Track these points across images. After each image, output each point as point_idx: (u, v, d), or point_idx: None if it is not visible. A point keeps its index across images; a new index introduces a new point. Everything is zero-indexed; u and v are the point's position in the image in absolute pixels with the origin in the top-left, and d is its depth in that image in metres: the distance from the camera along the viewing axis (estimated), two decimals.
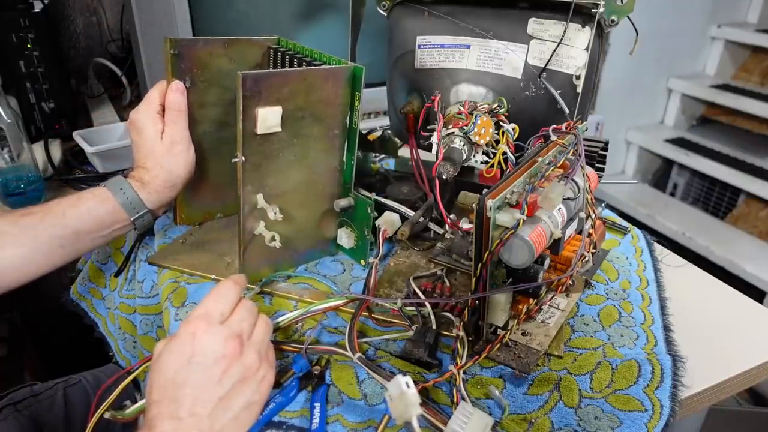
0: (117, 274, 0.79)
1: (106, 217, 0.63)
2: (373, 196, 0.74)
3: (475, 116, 0.63)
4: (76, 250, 0.64)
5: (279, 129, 0.59)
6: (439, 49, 0.72)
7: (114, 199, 0.63)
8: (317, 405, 0.49)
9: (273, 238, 0.64)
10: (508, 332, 0.56)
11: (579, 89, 0.65)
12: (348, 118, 0.65)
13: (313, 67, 0.64)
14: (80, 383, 0.79)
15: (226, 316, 0.48)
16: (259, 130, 0.58)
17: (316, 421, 0.48)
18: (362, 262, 0.71)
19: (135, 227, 0.66)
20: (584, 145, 0.56)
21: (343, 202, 0.68)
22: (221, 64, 0.68)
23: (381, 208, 0.74)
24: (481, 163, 0.66)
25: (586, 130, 0.61)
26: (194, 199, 0.76)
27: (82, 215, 0.62)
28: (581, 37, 0.65)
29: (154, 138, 0.65)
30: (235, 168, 0.59)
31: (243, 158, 0.58)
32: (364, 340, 0.58)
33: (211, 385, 0.45)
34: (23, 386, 0.77)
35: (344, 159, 0.67)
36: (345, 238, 0.71)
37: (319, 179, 0.66)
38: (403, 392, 0.40)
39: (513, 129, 0.65)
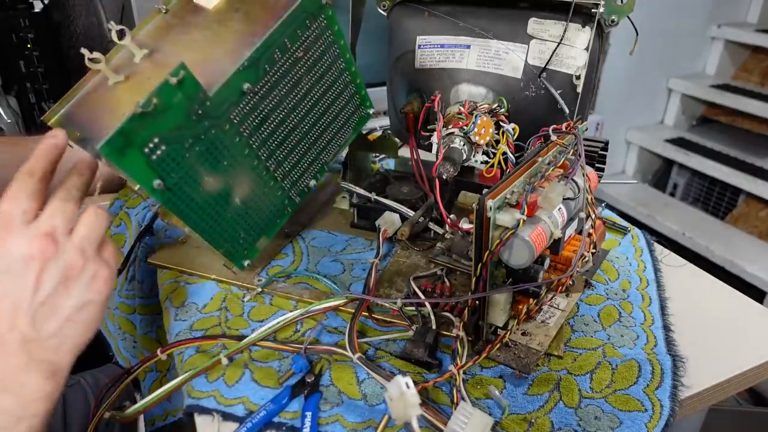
0: (117, 274, 0.78)
1: None
2: (373, 196, 0.74)
3: (475, 116, 0.63)
4: None
5: (210, 5, 0.57)
6: (439, 49, 0.72)
7: None
8: (308, 414, 0.49)
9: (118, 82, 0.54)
10: (508, 332, 0.56)
11: (579, 89, 0.65)
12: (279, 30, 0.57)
13: None
14: (79, 384, 0.79)
15: (32, 214, 0.42)
16: None
17: (306, 430, 0.48)
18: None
19: None
20: (584, 145, 0.56)
21: None
22: None
23: (381, 208, 0.74)
24: (481, 163, 0.66)
25: (586, 130, 0.61)
26: None
27: None
28: (581, 37, 0.65)
29: None
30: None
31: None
32: (364, 340, 0.58)
33: (27, 292, 0.40)
34: None
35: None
36: None
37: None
38: (402, 393, 0.40)
39: (513, 129, 0.65)
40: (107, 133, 0.45)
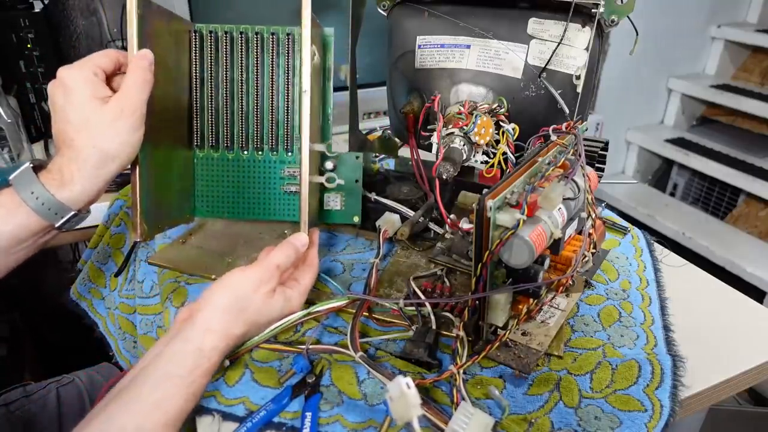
0: (117, 274, 0.79)
1: (21, 231, 0.51)
2: (373, 196, 0.74)
3: (475, 116, 0.63)
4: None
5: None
6: (439, 49, 0.72)
7: (26, 205, 0.51)
8: (308, 414, 0.49)
9: None
10: (508, 332, 0.56)
11: (579, 89, 0.65)
12: None
13: None
14: (73, 383, 0.79)
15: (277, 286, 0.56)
16: None
17: (306, 430, 0.48)
18: (355, 218, 0.71)
19: (64, 230, 0.55)
20: (584, 145, 0.56)
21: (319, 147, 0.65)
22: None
23: (381, 208, 0.74)
24: (481, 163, 0.66)
25: (586, 130, 0.61)
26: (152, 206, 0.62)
27: None
28: (581, 37, 0.65)
29: (89, 104, 0.50)
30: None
31: None
32: (364, 340, 0.58)
33: (262, 326, 0.55)
34: (16, 386, 0.77)
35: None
36: (331, 201, 0.70)
37: None
38: (403, 393, 0.40)
39: (513, 129, 0.65)
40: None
